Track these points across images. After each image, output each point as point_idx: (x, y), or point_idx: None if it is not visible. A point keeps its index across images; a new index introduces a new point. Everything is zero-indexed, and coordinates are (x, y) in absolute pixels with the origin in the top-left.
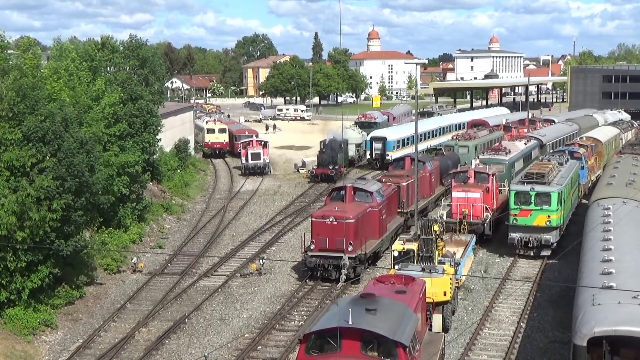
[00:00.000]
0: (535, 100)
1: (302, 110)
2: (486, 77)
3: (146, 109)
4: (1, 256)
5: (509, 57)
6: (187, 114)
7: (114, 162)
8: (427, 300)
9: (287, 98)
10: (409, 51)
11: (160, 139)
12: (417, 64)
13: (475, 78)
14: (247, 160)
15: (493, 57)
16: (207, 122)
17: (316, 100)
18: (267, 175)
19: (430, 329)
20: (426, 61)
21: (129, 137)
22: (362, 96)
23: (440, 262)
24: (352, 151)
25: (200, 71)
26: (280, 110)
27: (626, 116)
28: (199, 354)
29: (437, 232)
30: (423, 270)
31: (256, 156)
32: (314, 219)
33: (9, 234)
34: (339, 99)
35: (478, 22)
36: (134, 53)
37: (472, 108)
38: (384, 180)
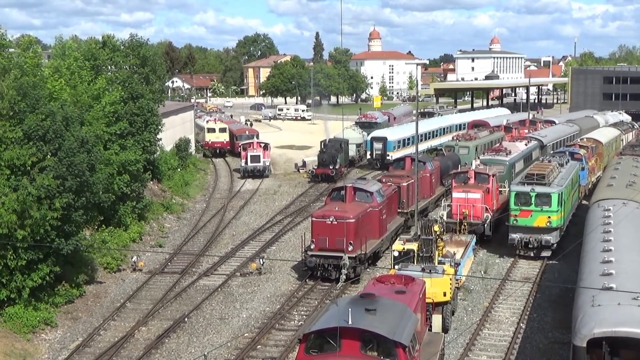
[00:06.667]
0: (536, 101)
1: (303, 110)
2: (487, 77)
3: (147, 107)
4: (2, 254)
5: (509, 57)
6: (188, 113)
7: (115, 161)
8: (427, 300)
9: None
10: (409, 51)
11: (160, 138)
12: (418, 64)
13: (476, 79)
14: (246, 162)
15: (494, 57)
16: (207, 122)
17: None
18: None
19: (430, 329)
20: (427, 62)
21: (130, 136)
22: (363, 96)
23: (440, 263)
24: (352, 151)
25: (201, 71)
26: (281, 110)
27: (627, 117)
28: (198, 353)
29: (437, 233)
30: (423, 270)
31: (256, 159)
32: (314, 219)
33: (9, 233)
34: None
35: (479, 23)
36: (135, 52)
37: (472, 109)
38: (384, 180)
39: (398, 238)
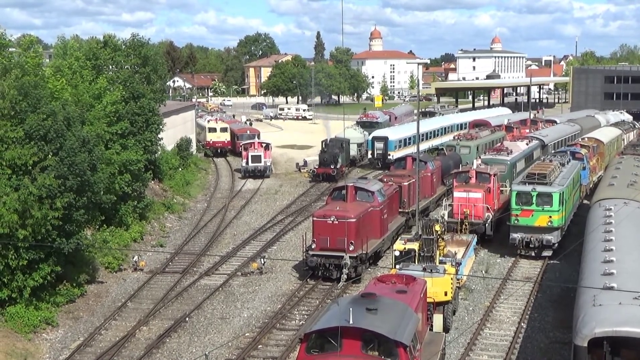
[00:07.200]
0: (537, 100)
1: (304, 110)
2: (488, 77)
3: (148, 107)
4: (3, 254)
5: (511, 57)
6: (189, 113)
7: (116, 161)
8: (428, 300)
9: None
10: (411, 51)
11: (162, 138)
12: (419, 63)
13: (477, 78)
14: (247, 162)
15: (495, 57)
16: (208, 121)
17: (318, 99)
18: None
19: (431, 329)
20: (428, 61)
21: (131, 136)
22: (364, 96)
23: (441, 262)
24: (353, 151)
25: (202, 70)
26: (282, 109)
27: (628, 117)
28: (199, 353)
29: (439, 232)
30: (424, 270)
31: (257, 159)
32: (315, 219)
33: (10, 232)
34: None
35: (480, 22)
36: (136, 52)
37: (474, 108)
38: (385, 179)
39: (399, 238)
